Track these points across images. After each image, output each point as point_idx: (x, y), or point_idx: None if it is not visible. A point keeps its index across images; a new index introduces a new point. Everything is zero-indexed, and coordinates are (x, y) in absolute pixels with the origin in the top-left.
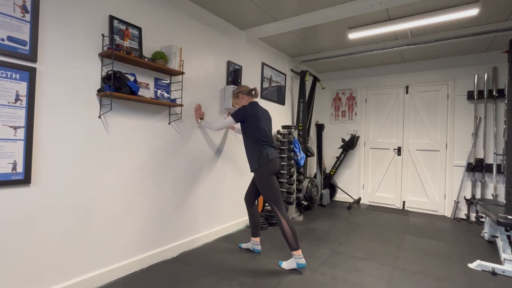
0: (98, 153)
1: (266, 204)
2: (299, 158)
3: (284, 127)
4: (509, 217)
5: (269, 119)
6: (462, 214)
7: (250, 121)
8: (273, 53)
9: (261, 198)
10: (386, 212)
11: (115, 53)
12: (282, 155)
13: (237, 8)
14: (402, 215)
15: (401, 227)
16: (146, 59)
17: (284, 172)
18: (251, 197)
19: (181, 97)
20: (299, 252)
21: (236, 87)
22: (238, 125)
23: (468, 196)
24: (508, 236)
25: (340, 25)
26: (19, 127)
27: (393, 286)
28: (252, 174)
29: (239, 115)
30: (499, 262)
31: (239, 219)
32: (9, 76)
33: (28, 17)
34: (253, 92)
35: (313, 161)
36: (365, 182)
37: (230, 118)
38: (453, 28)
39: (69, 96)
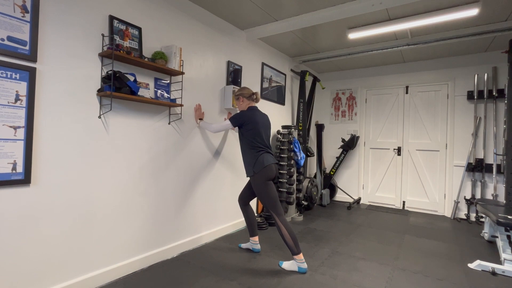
0: (98, 153)
1: None
2: (299, 158)
3: (284, 127)
4: (509, 217)
5: (267, 124)
6: (462, 214)
7: (248, 126)
8: (273, 53)
9: None
10: (386, 212)
11: (115, 53)
12: (282, 155)
13: (237, 8)
14: (402, 215)
15: (401, 227)
16: (146, 59)
17: (284, 172)
18: (245, 199)
19: (181, 97)
20: (301, 256)
21: (238, 88)
22: None
23: (468, 196)
24: (508, 236)
25: (340, 25)
26: (19, 127)
27: (393, 286)
28: None
29: (237, 120)
30: (499, 262)
31: (239, 219)
32: (9, 76)
33: (28, 17)
34: (254, 96)
35: (313, 161)
36: (365, 182)
37: (228, 122)
38: (453, 28)
39: (69, 96)
